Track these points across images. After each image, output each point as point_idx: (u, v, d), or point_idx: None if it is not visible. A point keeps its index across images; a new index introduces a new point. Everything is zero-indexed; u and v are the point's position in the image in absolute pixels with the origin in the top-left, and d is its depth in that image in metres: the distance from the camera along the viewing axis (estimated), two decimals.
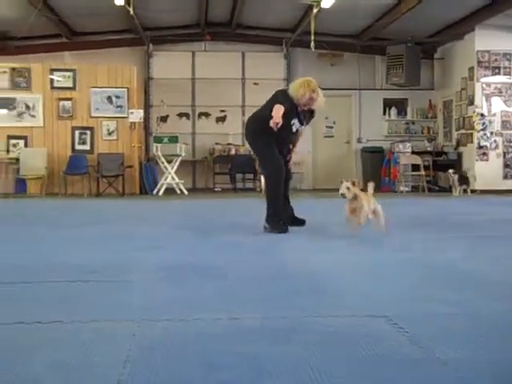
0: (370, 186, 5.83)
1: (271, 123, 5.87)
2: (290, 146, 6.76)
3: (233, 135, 15.71)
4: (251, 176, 15.20)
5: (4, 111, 13.95)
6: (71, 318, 2.84)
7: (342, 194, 5.59)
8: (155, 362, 2.23)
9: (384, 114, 16.58)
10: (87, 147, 14.11)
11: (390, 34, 14.99)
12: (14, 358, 2.29)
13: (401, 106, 16.75)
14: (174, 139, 14.33)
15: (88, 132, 14.14)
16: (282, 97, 6.29)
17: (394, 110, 16.62)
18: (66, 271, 4.11)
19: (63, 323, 2.77)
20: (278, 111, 5.92)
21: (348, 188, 5.58)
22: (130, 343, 2.46)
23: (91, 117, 14.11)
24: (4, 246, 5.54)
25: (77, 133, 14.12)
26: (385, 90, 16.28)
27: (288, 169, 6.66)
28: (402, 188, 14.69)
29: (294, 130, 6.51)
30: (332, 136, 16.66)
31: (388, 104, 16.61)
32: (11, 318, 2.87)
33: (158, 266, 4.31)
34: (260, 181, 13.43)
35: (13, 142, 13.90)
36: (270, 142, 6.36)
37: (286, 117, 6.09)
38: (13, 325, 2.76)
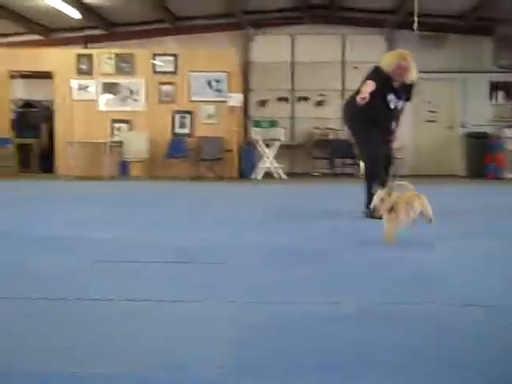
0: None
1: (357, 99, 5.67)
2: (392, 127, 6.44)
3: (332, 119, 15.53)
4: (351, 161, 14.97)
5: (109, 96, 14.36)
6: (175, 298, 2.88)
7: (373, 208, 4.63)
8: (257, 345, 2.22)
9: (490, 98, 15.96)
10: (187, 131, 14.33)
11: (499, 14, 14.35)
12: (126, 332, 2.35)
13: (509, 89, 16.05)
14: (273, 123, 14.34)
15: (188, 116, 14.35)
16: (373, 73, 6.04)
17: (501, 94, 15.96)
18: (169, 252, 4.17)
19: (167, 302, 2.81)
20: (367, 87, 5.71)
21: (382, 199, 4.50)
22: (232, 325, 2.46)
23: (191, 101, 14.32)
24: (110, 226, 5.69)
25: (177, 116, 14.37)
26: (491, 72, 15.64)
27: (390, 153, 6.41)
28: (509, 175, 14.10)
29: (393, 106, 6.19)
30: (434, 121, 16.20)
31: (495, 87, 15.96)
32: (119, 294, 2.94)
33: (256, 248, 4.30)
34: (360, 166, 13.23)
35: (117, 125, 14.31)
36: (368, 125, 6.11)
37: (380, 92, 5.87)
38: (121, 301, 2.83)
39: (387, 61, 6.12)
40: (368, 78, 5.94)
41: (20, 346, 2.19)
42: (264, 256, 4.03)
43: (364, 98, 5.57)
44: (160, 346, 2.19)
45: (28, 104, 16.18)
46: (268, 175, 13.78)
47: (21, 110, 16.02)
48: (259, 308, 2.72)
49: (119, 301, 2.83)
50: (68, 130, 14.22)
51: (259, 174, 13.77)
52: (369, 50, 15.51)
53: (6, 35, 16.26)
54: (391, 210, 4.44)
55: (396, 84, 6.12)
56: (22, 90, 16.17)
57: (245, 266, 3.70)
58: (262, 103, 15.96)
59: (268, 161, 13.91)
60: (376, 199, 4.51)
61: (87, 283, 3.25)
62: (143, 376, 1.91)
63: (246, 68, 16.01)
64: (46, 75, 14.58)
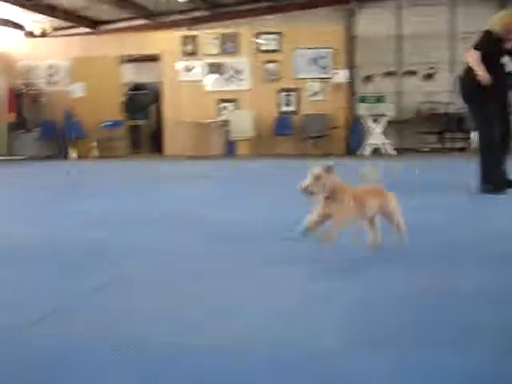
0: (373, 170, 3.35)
1: (478, 75, 5.48)
2: (509, 96, 6.03)
3: (442, 93, 15.05)
4: (462, 135, 14.46)
5: (215, 76, 14.51)
6: (288, 274, 2.86)
7: (304, 189, 3.07)
8: (372, 319, 2.19)
9: None
10: (292, 108, 14.29)
11: None
12: (242, 306, 2.37)
13: None
14: (380, 99, 14.06)
15: (293, 93, 14.30)
16: (481, 38, 5.74)
17: None
18: (280, 229, 4.15)
19: (283, 278, 2.81)
20: (473, 57, 5.49)
21: (318, 178, 3.06)
22: (346, 301, 2.42)
23: (296, 78, 14.24)
24: (224, 205, 5.75)
25: (282, 94, 14.35)
26: None
27: (508, 127, 6.04)
28: None
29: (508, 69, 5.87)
30: None
31: None
32: (235, 270, 2.98)
33: None
34: (471, 140, 12.75)
35: (223, 105, 14.46)
36: (485, 98, 5.80)
37: (492, 56, 5.58)
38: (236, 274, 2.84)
39: (498, 20, 5.78)
40: (475, 45, 5.68)
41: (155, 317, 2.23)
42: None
43: (480, 73, 5.48)
44: (278, 320, 2.18)
45: (137, 87, 16.63)
46: (376, 151, 13.53)
47: (131, 92, 16.49)
48: (370, 283, 2.68)
49: (234, 272, 2.84)
50: (175, 111, 14.51)
51: (367, 150, 13.54)
52: (479, 19, 14.85)
53: (115, 21, 16.74)
54: (332, 197, 3.11)
55: (509, 45, 5.76)
56: (131, 74, 16.61)
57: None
58: (368, 78, 15.66)
59: (376, 137, 13.65)
60: (309, 178, 3.07)
61: (204, 259, 3.28)
62: (258, 350, 1.89)
63: (350, 43, 15.73)
64: (153, 58, 14.91)
